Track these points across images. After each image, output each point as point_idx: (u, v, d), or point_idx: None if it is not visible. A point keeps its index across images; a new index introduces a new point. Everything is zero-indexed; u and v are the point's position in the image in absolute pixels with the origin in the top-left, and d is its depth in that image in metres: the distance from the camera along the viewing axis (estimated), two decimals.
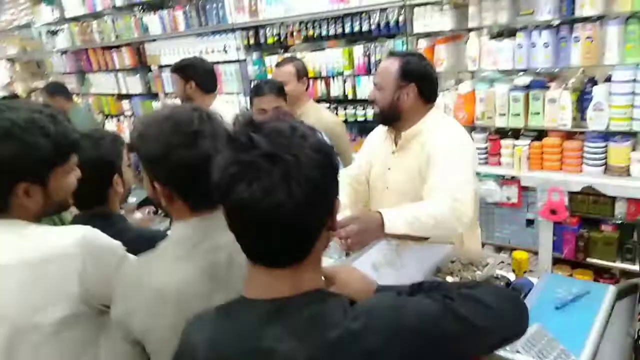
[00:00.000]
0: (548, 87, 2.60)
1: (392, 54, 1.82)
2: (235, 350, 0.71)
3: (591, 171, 2.50)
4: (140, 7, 4.57)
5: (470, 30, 2.82)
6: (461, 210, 1.52)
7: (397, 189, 1.77)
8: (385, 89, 1.69)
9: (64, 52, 5.58)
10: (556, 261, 2.71)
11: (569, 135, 2.63)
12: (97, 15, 4.96)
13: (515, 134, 2.82)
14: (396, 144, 1.78)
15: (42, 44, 5.92)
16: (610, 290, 1.32)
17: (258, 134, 0.68)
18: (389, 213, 1.44)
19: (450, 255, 1.67)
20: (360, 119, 3.35)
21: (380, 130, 1.89)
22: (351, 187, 1.91)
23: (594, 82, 2.52)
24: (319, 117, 2.53)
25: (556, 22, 2.52)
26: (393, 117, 1.73)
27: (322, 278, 0.84)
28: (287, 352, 0.67)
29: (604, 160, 2.48)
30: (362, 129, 3.37)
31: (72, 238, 1.02)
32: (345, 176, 1.94)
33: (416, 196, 1.67)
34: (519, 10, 2.61)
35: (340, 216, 0.88)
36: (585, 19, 2.41)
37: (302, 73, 2.58)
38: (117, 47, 4.84)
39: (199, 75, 2.70)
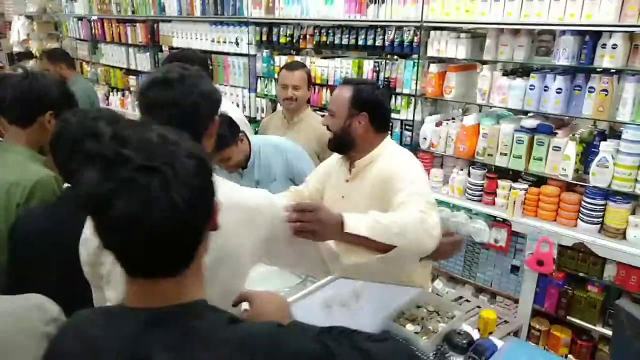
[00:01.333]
0: (555, 134, 2.49)
1: (346, 81, 1.79)
2: (112, 357, 0.70)
3: (586, 228, 2.40)
4: None
5: (484, 62, 2.72)
6: (429, 223, 1.40)
7: None
8: (337, 116, 1.70)
9: (80, 18, 5.52)
10: (536, 313, 2.61)
11: (568, 187, 2.52)
12: None
13: (514, 176, 2.71)
14: (350, 172, 1.75)
15: (62, 6, 5.88)
16: None
17: (127, 147, 0.65)
18: (350, 215, 1.33)
19: (417, 299, 1.58)
20: None
21: (336, 157, 1.85)
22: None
23: (603, 136, 2.41)
24: (314, 125, 2.49)
25: (572, 69, 2.41)
26: (345, 145, 1.72)
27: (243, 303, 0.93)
28: None
29: (600, 219, 2.38)
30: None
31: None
32: (294, 194, 1.88)
33: None
34: (537, 50, 2.51)
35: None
36: (604, 71, 2.30)
37: (310, 81, 2.57)
38: (132, 22, 4.78)
39: (198, 66, 2.57)
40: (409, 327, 1.45)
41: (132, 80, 5.02)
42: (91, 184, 0.65)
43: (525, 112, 2.66)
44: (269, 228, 1.14)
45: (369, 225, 1.30)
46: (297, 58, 3.42)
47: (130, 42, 4.85)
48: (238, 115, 2.56)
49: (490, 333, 1.44)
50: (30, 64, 6.55)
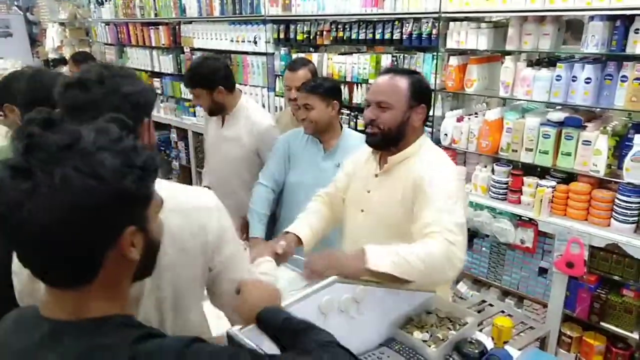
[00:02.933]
0: (584, 127, 2.33)
1: (390, 70, 1.68)
2: None
3: (620, 227, 2.22)
4: None
5: (507, 53, 2.58)
6: (456, 255, 1.38)
7: (373, 213, 1.65)
8: (394, 108, 1.55)
9: (107, 23, 5.64)
10: (566, 318, 2.46)
11: (600, 184, 2.35)
12: None
13: (542, 172, 2.56)
14: (380, 167, 1.65)
15: (91, 12, 6.02)
16: None
17: (33, 143, 0.63)
18: (373, 248, 1.33)
19: (427, 304, 1.48)
20: None
21: (365, 151, 1.74)
22: (327, 206, 1.81)
23: (638, 128, 2.23)
24: None
25: (603, 57, 2.25)
26: (396, 140, 1.59)
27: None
28: None
29: (636, 218, 2.20)
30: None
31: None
32: (323, 194, 1.85)
33: (392, 222, 1.58)
34: (564, 39, 2.35)
35: None
36: (637, 58, 2.13)
37: (315, 77, 2.46)
38: (155, 24, 4.83)
39: (223, 78, 2.38)
40: (417, 334, 1.36)
41: (156, 83, 5.07)
42: None
43: (553, 105, 2.50)
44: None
45: (394, 262, 1.30)
46: (315, 55, 3.35)
47: (154, 44, 4.91)
48: (267, 122, 2.48)
49: (506, 342, 1.33)
50: (64, 69, 6.76)
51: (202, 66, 2.39)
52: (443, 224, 1.40)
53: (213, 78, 2.34)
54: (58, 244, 0.64)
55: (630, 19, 2.09)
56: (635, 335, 2.26)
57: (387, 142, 1.60)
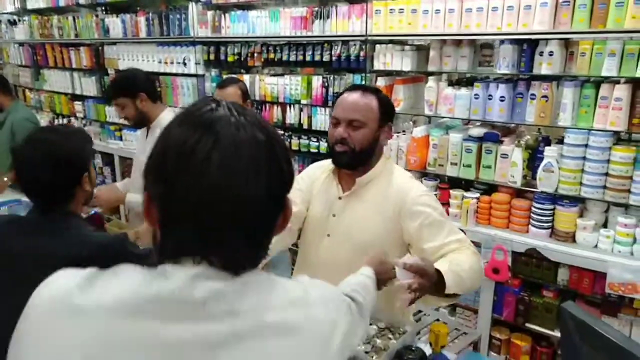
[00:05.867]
0: (502, 142, 2.52)
1: (358, 87, 1.59)
2: None
3: (537, 233, 2.41)
4: (104, 8, 4.38)
5: (430, 74, 2.74)
6: (481, 265, 1.49)
7: (340, 236, 1.59)
8: (368, 127, 1.49)
9: (21, 44, 5.30)
10: (495, 322, 2.59)
11: (518, 193, 2.54)
12: (59, 11, 4.75)
13: (466, 185, 2.72)
14: (344, 189, 1.60)
15: (2, 32, 5.63)
16: None
17: None
18: (444, 269, 1.32)
19: None
20: (313, 150, 3.21)
21: (320, 170, 1.68)
22: None
23: (547, 141, 2.45)
24: None
25: (515, 77, 2.46)
26: (365, 159, 1.54)
27: None
28: None
29: (550, 224, 2.40)
30: (315, 161, 3.21)
31: None
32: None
33: (359, 243, 1.53)
34: (480, 60, 2.55)
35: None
36: (543, 78, 2.35)
37: (247, 95, 2.48)
38: (76, 45, 4.61)
39: (144, 84, 2.34)
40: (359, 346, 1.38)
41: (77, 106, 4.81)
42: None
43: (473, 121, 2.68)
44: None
45: (457, 283, 1.33)
46: (246, 76, 3.36)
47: (74, 66, 4.68)
48: None
49: (443, 347, 1.39)
50: None
51: (123, 75, 2.44)
52: (460, 239, 1.48)
53: (134, 83, 2.28)
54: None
55: (535, 42, 2.32)
56: (556, 334, 2.43)
57: (357, 161, 1.54)
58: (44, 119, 4.93)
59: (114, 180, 4.52)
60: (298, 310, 0.66)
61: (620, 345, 0.90)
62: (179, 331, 0.58)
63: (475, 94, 2.51)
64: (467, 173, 2.60)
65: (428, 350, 1.41)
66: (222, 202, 0.60)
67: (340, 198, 1.60)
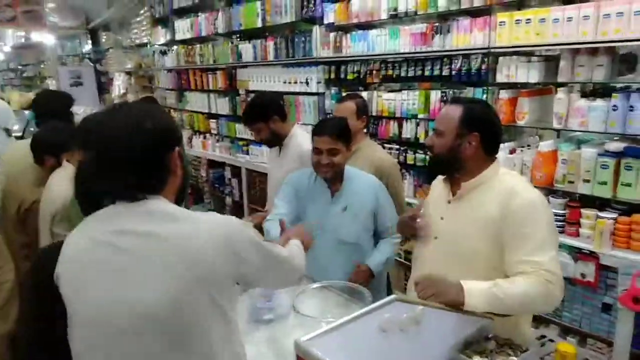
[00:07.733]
0: None
1: (455, 100, 1.76)
2: None
3: None
4: (238, 35, 4.85)
5: (559, 85, 2.58)
6: (554, 294, 1.44)
7: (447, 240, 1.67)
8: (445, 135, 1.62)
9: (169, 70, 6.08)
10: (634, 357, 2.31)
11: None
12: (201, 40, 5.37)
13: (601, 204, 2.49)
14: (453, 193, 1.68)
15: (155, 61, 6.53)
16: None
17: None
18: (471, 289, 1.40)
19: (485, 330, 1.46)
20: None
21: (439, 179, 1.79)
22: None
23: None
24: (372, 155, 2.51)
25: None
26: (449, 165, 1.65)
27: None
28: None
29: None
30: (430, 175, 3.19)
31: None
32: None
33: (466, 248, 1.59)
34: (619, 71, 2.34)
35: None
36: None
37: (362, 111, 2.60)
38: (214, 69, 5.17)
39: (275, 107, 2.61)
40: (476, 359, 1.35)
41: (212, 124, 5.37)
42: None
43: (609, 135, 2.46)
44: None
45: (489, 304, 1.38)
46: (364, 93, 3.47)
47: (211, 88, 5.24)
48: (307, 146, 2.52)
49: None
50: None
51: (255, 102, 2.67)
52: (539, 262, 1.44)
53: (267, 108, 2.56)
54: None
55: None
56: None
57: (441, 166, 1.68)
58: (184, 136, 5.58)
59: (240, 190, 4.93)
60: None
61: None
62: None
63: (614, 106, 2.30)
64: (601, 191, 2.38)
65: None
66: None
67: (449, 202, 1.67)
